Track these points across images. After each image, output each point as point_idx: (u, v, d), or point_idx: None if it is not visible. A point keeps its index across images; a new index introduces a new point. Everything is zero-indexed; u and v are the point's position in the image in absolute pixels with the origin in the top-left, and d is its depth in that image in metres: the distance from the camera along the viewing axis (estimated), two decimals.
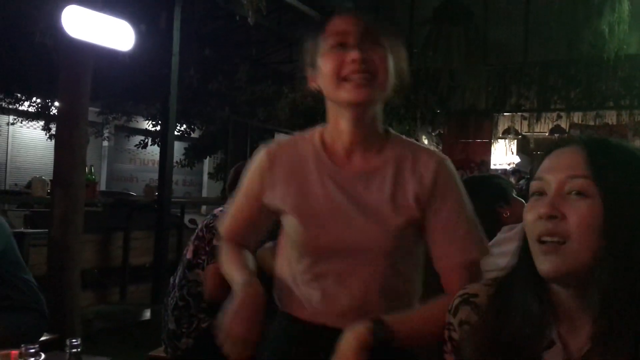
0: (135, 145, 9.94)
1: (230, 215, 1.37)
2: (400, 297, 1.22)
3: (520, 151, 11.42)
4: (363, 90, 1.14)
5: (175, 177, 10.73)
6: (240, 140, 8.02)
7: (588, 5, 7.82)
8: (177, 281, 2.54)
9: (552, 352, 0.87)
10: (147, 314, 5.67)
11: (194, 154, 10.23)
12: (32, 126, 10.52)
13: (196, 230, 2.57)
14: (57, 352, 2.69)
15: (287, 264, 1.27)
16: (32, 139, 13.47)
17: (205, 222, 2.53)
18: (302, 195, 1.22)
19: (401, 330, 1.08)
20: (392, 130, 1.28)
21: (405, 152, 1.22)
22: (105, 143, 11.66)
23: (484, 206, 2.16)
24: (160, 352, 2.60)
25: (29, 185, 7.46)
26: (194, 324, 2.46)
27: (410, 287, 1.25)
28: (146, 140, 9.53)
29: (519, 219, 2.09)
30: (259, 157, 1.29)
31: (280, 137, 1.38)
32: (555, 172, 0.88)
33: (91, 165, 5.29)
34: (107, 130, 10.97)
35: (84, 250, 4.66)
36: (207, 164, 13.81)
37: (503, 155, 11.13)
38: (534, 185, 0.91)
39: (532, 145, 12.06)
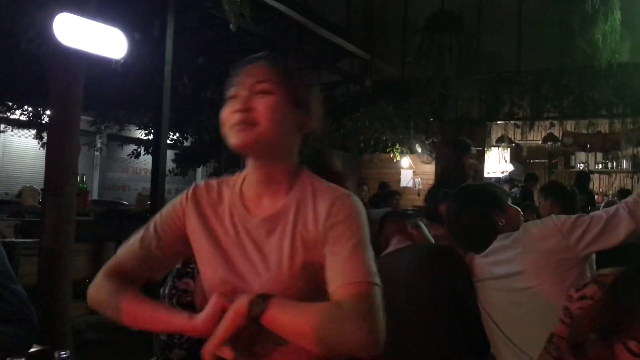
0: (128, 155, 9.89)
1: (133, 246, 1.36)
2: None
3: (513, 159, 11.43)
4: (240, 136, 1.20)
5: (168, 186, 10.66)
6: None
7: (582, 14, 7.87)
8: (166, 291, 2.50)
9: None
10: None
11: (186, 162, 10.20)
12: (23, 135, 10.43)
13: None
14: None
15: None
16: (23, 148, 13.37)
17: None
18: (213, 239, 1.29)
19: (277, 310, 1.10)
20: (304, 170, 1.32)
21: (307, 193, 1.27)
22: (97, 152, 11.56)
23: (480, 214, 2.16)
24: None
25: (19, 194, 7.40)
26: (185, 335, 2.41)
27: None
28: (139, 150, 9.47)
29: (514, 226, 2.09)
30: (184, 193, 1.36)
31: (210, 180, 1.41)
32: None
33: (83, 174, 5.25)
34: (100, 140, 10.90)
35: (75, 259, 4.61)
36: (200, 173, 13.77)
37: (496, 163, 11.13)
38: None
39: (525, 154, 12.09)
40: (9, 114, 8.47)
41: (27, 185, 5.49)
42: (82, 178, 5.16)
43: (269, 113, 1.21)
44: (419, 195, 11.64)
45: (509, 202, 2.24)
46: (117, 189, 17.71)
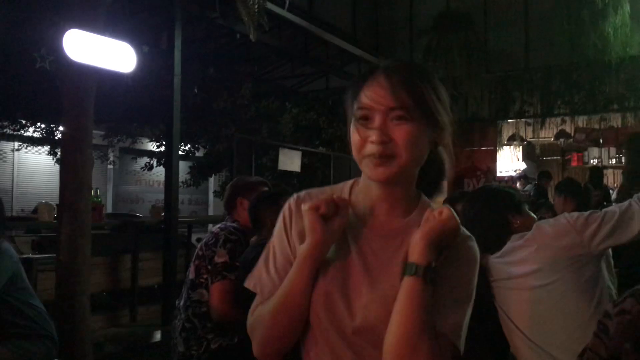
0: (141, 168, 9.94)
1: (266, 273, 1.25)
2: None
3: (526, 157, 11.37)
4: (381, 171, 1.14)
5: (180, 197, 10.70)
6: (245, 156, 8.01)
7: (593, 9, 7.83)
8: (181, 303, 2.51)
9: None
10: (158, 336, 5.62)
11: (199, 172, 10.23)
12: (37, 151, 10.55)
13: (196, 250, 2.55)
14: None
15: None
16: (37, 165, 13.51)
17: (204, 240, 2.52)
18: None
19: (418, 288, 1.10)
20: (424, 197, 1.27)
21: None
22: (110, 166, 11.66)
23: (496, 213, 2.15)
24: None
25: (35, 210, 7.46)
26: (203, 346, 2.42)
27: None
28: (151, 162, 9.53)
29: (528, 229, 2.08)
30: (284, 211, 1.28)
31: (313, 189, 1.32)
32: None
33: (97, 188, 5.29)
34: (112, 153, 10.99)
35: (92, 273, 4.64)
36: (213, 182, 13.81)
37: (509, 162, 11.07)
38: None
39: (537, 151, 12.01)
40: (22, 131, 8.56)
41: (43, 201, 5.53)
42: (96, 192, 5.19)
43: (409, 145, 1.13)
44: None
45: (526, 208, 2.24)
46: (130, 202, 17.82)
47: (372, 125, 1.13)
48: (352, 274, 1.17)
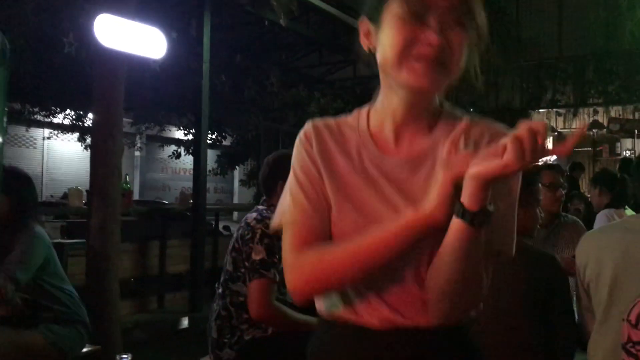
0: (169, 156, 9.99)
1: (296, 216, 1.08)
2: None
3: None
4: (430, 78, 0.99)
5: (207, 185, 10.76)
6: (271, 145, 7.98)
7: None
8: (220, 290, 2.48)
9: None
10: (185, 322, 5.64)
11: (227, 161, 10.24)
12: (66, 139, 10.65)
13: (232, 242, 2.47)
14: None
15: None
16: (66, 152, 13.70)
17: (240, 233, 2.43)
18: (343, 183, 1.08)
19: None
20: (446, 104, 1.13)
21: (458, 127, 1.00)
22: (138, 153, 11.74)
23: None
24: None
25: (65, 196, 7.53)
26: (236, 335, 2.38)
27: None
28: (179, 150, 9.56)
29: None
30: (301, 138, 1.13)
31: (324, 118, 1.17)
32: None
33: (126, 174, 5.30)
34: (140, 141, 11.06)
35: (120, 259, 4.65)
36: (238, 171, 13.84)
37: None
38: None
39: None
40: (52, 118, 8.65)
41: (73, 187, 5.57)
42: (125, 178, 5.20)
43: (462, 55, 1.01)
44: None
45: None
46: (157, 189, 18.00)
47: (428, 24, 0.98)
48: (385, 201, 1.05)
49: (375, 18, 1.05)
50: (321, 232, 1.07)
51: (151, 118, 8.44)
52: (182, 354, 3.80)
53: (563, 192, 3.05)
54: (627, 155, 10.91)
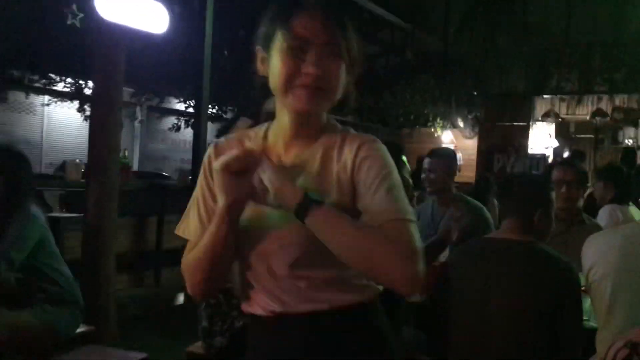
0: (169, 129, 9.92)
1: (192, 218, 1.30)
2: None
3: (559, 135, 11.10)
4: (311, 103, 1.17)
5: None
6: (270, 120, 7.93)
7: None
8: None
9: None
10: (181, 299, 5.66)
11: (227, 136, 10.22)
12: (66, 106, 10.57)
13: None
14: (93, 346, 2.67)
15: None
16: (67, 119, 13.58)
17: None
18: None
19: (324, 214, 1.11)
20: (331, 120, 1.30)
21: (333, 140, 1.24)
22: (138, 124, 11.68)
23: None
24: (198, 347, 2.53)
25: (62, 167, 7.49)
26: (227, 323, 2.37)
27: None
28: (179, 123, 9.50)
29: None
30: (204, 161, 1.30)
31: (228, 136, 1.36)
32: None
33: (124, 149, 5.26)
34: (140, 111, 11.00)
35: (117, 233, 4.64)
36: None
37: (541, 139, 10.80)
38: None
39: (572, 129, 11.71)
40: (52, 86, 8.57)
41: (71, 160, 5.53)
42: (124, 153, 5.17)
43: (338, 81, 1.19)
44: (459, 171, 11.42)
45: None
46: (157, 160, 17.94)
47: (308, 57, 1.15)
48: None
49: (266, 48, 1.22)
50: None
51: (152, 89, 8.34)
52: (177, 331, 3.80)
53: (579, 191, 2.95)
54: (630, 144, 10.88)
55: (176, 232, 1.33)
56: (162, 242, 6.24)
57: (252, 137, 1.30)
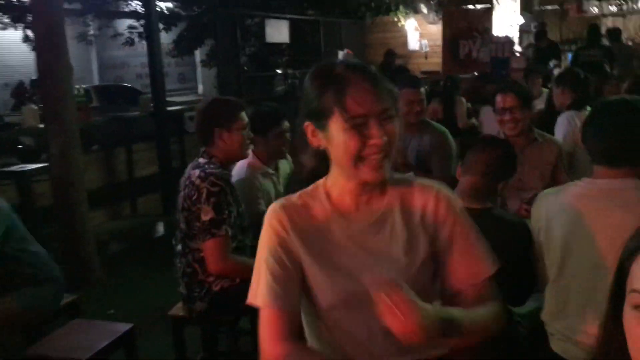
0: (122, 44, 9.51)
1: (267, 300, 1.25)
2: None
3: (523, 9, 10.87)
4: (380, 172, 1.21)
5: (167, 70, 10.40)
6: (228, 31, 7.68)
7: None
8: (180, 248, 2.50)
9: None
10: (161, 229, 5.72)
11: (185, 44, 9.92)
12: (19, 25, 9.96)
13: (179, 200, 2.44)
14: (79, 321, 2.75)
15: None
16: (19, 36, 12.92)
17: (186, 192, 2.36)
18: (325, 254, 1.28)
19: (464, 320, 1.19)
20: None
21: (405, 190, 1.32)
22: (92, 38, 11.14)
23: None
24: (179, 310, 2.63)
25: (16, 105, 7.23)
26: (204, 288, 2.45)
27: None
28: (132, 37, 9.09)
29: None
30: (273, 224, 1.29)
31: (288, 197, 1.35)
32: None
33: (79, 87, 5.09)
34: (92, 29, 10.47)
35: (88, 171, 4.58)
36: (198, 55, 13.37)
37: (505, 17, 10.56)
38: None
39: (536, 1, 11.49)
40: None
41: (26, 106, 5.36)
42: (79, 91, 5.01)
43: (398, 138, 1.23)
44: (426, 58, 11.27)
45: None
46: (116, 67, 17.35)
47: (371, 130, 1.18)
48: (362, 265, 1.25)
49: (320, 127, 1.23)
50: (289, 314, 1.26)
51: (98, 9, 7.87)
52: (162, 265, 3.81)
53: (525, 112, 2.89)
54: (595, 12, 10.77)
55: (250, 301, 1.28)
56: (133, 171, 6.24)
57: (315, 197, 1.32)
